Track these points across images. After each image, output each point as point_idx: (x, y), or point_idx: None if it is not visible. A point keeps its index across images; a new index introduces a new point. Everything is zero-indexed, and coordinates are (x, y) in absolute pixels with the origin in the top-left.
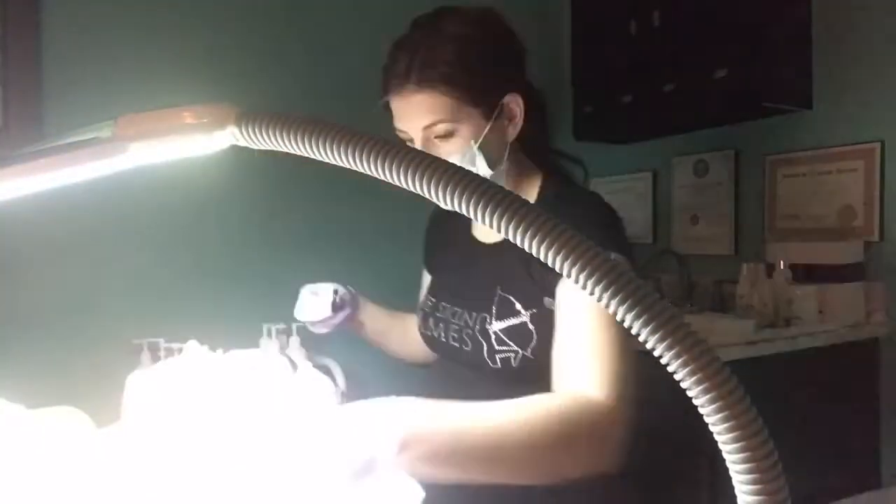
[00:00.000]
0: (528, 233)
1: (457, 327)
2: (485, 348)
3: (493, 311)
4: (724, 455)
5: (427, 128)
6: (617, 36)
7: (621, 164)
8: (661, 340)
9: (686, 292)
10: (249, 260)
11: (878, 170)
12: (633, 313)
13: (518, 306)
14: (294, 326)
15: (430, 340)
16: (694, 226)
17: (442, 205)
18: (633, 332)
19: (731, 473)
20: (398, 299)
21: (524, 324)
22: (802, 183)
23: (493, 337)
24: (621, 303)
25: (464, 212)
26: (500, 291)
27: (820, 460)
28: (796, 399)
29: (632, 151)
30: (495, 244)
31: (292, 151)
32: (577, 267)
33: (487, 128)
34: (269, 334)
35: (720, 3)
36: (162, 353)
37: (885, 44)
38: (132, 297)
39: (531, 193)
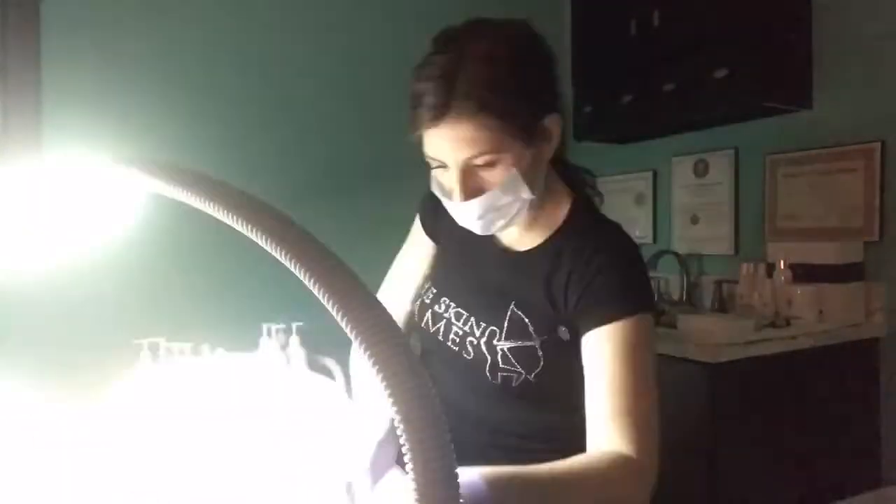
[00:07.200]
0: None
1: (459, 332)
2: (488, 363)
3: (504, 328)
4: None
5: (467, 159)
6: (617, 36)
7: (621, 164)
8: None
9: (686, 292)
10: (249, 260)
11: (878, 170)
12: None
13: (531, 329)
14: (294, 326)
15: (423, 333)
16: (694, 226)
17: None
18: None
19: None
20: None
21: (534, 348)
22: (802, 183)
23: (499, 354)
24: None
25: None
26: (513, 307)
27: (820, 460)
28: (796, 399)
29: (632, 151)
30: (519, 255)
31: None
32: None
33: (529, 153)
34: (269, 334)
35: (720, 2)
36: (162, 353)
37: (885, 43)
38: (132, 297)
39: (558, 216)
